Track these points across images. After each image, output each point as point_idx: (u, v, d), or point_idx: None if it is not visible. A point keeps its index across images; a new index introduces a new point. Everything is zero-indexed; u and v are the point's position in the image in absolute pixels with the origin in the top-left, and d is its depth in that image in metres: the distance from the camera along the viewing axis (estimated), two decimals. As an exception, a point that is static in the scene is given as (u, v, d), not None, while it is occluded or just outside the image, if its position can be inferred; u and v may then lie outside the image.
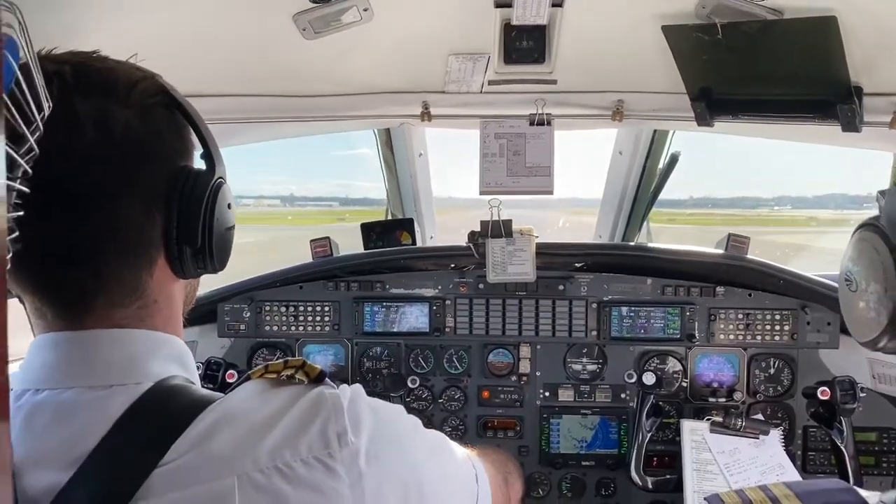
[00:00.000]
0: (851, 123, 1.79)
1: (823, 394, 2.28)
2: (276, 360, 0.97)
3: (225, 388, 1.22)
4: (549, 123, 2.27)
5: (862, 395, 2.28)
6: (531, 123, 2.27)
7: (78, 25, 1.40)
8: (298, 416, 0.86)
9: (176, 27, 1.62)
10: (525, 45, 1.97)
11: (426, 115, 2.22)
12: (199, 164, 1.00)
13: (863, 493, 0.85)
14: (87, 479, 0.79)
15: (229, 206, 1.01)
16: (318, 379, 0.93)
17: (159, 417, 0.84)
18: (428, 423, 2.61)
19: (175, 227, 0.92)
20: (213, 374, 2.37)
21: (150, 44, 1.37)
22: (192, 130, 0.98)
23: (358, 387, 0.96)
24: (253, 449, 0.82)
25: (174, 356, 0.95)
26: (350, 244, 2.84)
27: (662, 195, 3.19)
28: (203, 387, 0.95)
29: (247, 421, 0.85)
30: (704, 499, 0.91)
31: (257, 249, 6.68)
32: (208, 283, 2.61)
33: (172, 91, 0.96)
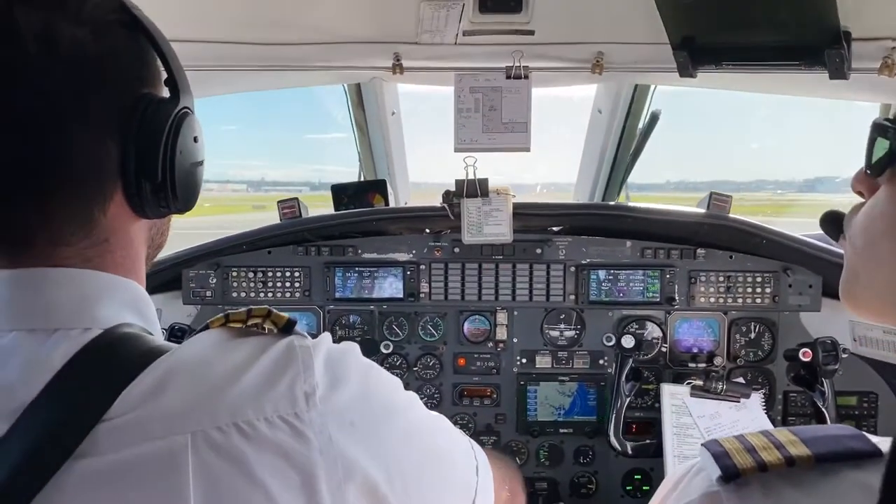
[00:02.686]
0: (839, 70, 1.73)
1: (805, 355, 2.24)
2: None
3: None
4: (526, 77, 2.19)
5: (844, 355, 2.25)
6: (508, 77, 2.19)
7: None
8: (264, 369, 0.77)
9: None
10: (502, -8, 1.88)
11: (398, 68, 2.13)
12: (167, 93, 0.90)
13: (873, 438, 0.78)
14: (23, 433, 0.71)
15: (196, 139, 0.91)
16: (286, 328, 0.83)
17: (106, 367, 0.75)
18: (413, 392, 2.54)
19: (132, 159, 0.82)
20: (177, 340, 2.27)
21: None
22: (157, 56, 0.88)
23: (352, 344, 0.88)
24: (210, 404, 0.74)
25: (128, 302, 0.85)
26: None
27: (641, 179, 3.14)
28: None
29: (204, 373, 0.76)
30: (702, 444, 0.84)
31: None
32: (169, 246, 2.50)
33: (134, 9, 0.85)
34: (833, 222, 0.95)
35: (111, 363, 0.76)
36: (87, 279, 0.82)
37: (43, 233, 0.80)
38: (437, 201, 2.49)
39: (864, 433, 0.80)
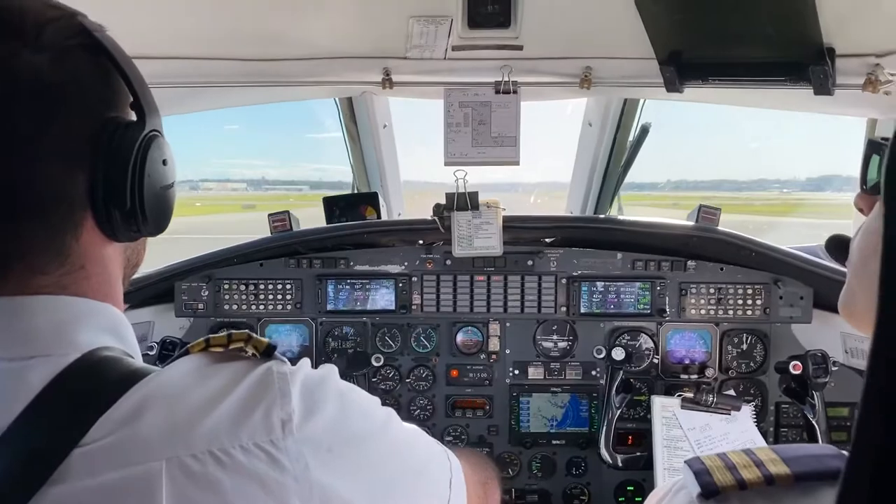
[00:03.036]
0: (824, 86, 1.74)
1: (795, 368, 2.24)
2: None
3: None
4: (515, 92, 2.19)
5: (834, 368, 2.25)
6: (497, 91, 2.19)
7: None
8: (240, 397, 0.77)
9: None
10: (490, 8, 1.89)
11: (387, 83, 2.14)
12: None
13: None
14: None
15: (165, 161, 0.90)
16: (266, 353, 0.83)
17: (83, 392, 0.75)
18: (395, 404, 2.57)
19: (100, 186, 0.82)
20: (168, 354, 2.28)
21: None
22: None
23: (330, 368, 0.88)
24: (186, 432, 0.74)
25: (107, 326, 0.85)
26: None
27: (639, 178, 3.14)
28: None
29: (181, 400, 0.76)
30: (685, 461, 0.85)
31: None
32: (163, 259, 2.51)
33: (96, 32, 0.84)
34: (838, 247, 0.95)
35: (90, 387, 0.76)
36: (63, 305, 0.82)
37: (19, 262, 0.80)
38: (431, 202, 2.49)
39: (845, 452, 0.81)
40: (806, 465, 0.79)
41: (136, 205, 0.85)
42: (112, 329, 0.86)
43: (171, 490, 0.71)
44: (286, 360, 0.84)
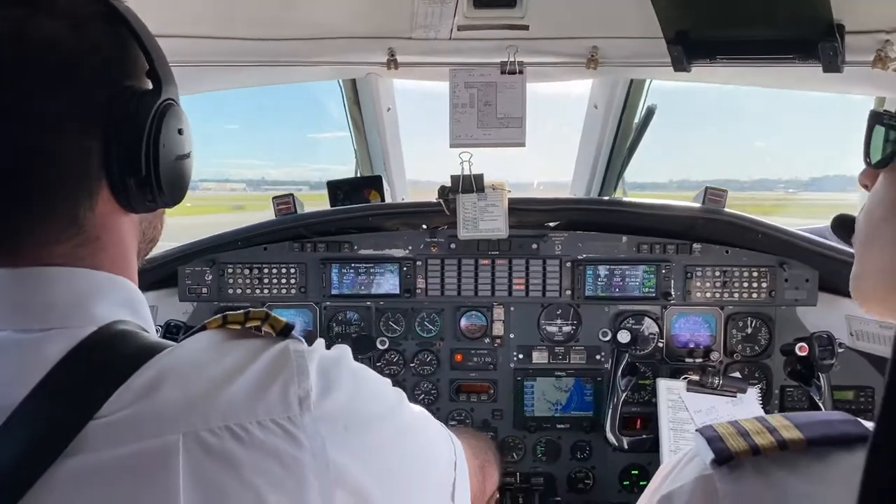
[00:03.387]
0: (833, 63, 1.73)
1: (802, 349, 2.24)
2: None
3: None
4: (521, 72, 2.19)
5: (840, 350, 2.24)
6: (502, 72, 2.18)
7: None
8: (258, 373, 0.77)
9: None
10: (495, -13, 1.88)
11: (392, 63, 2.13)
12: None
13: (867, 423, 0.79)
14: (15, 430, 0.70)
15: (180, 131, 0.90)
16: (283, 332, 0.83)
17: (100, 364, 0.75)
18: (400, 389, 2.54)
19: (114, 154, 0.81)
20: (172, 337, 2.27)
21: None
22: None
23: (344, 348, 0.88)
24: (203, 406, 0.73)
25: (123, 300, 0.85)
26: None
27: (641, 178, 3.14)
28: None
29: (198, 375, 0.76)
30: (696, 430, 0.84)
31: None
32: (164, 243, 2.50)
33: (114, 0, 0.84)
34: (843, 225, 0.95)
35: (107, 360, 0.75)
36: (81, 278, 0.81)
37: (31, 232, 0.79)
38: (433, 198, 2.49)
39: (858, 419, 0.81)
40: (819, 431, 0.79)
41: (152, 173, 0.84)
42: (128, 303, 0.86)
43: (188, 463, 0.71)
44: (302, 339, 0.84)
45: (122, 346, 0.77)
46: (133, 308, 0.86)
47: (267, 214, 2.64)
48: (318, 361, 0.81)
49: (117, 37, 0.84)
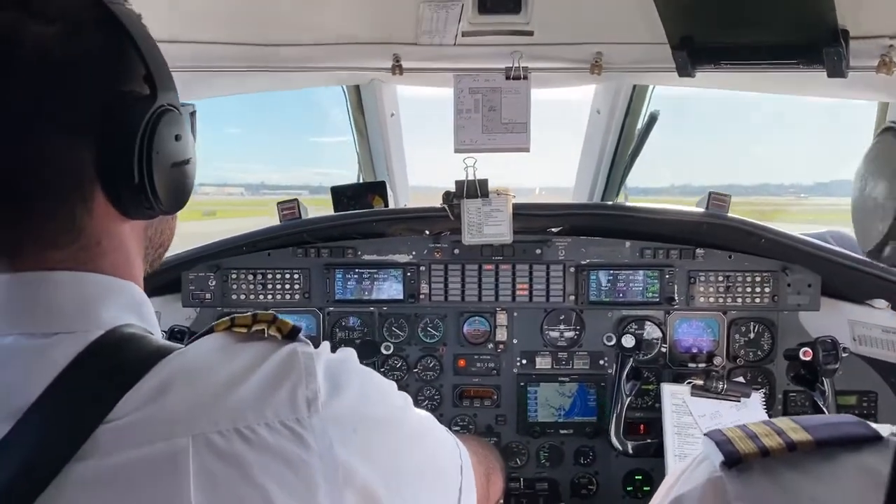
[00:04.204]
0: (837, 68, 1.74)
1: (806, 354, 2.24)
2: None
3: None
4: (525, 77, 2.19)
5: (843, 354, 2.25)
6: (507, 77, 2.19)
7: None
8: (266, 376, 0.77)
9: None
10: (500, -7, 1.89)
11: (397, 69, 2.14)
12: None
13: (875, 425, 0.79)
14: (25, 434, 0.70)
15: (178, 137, 0.88)
16: (290, 335, 0.83)
17: (109, 368, 0.75)
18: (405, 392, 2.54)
19: (106, 160, 0.80)
20: (176, 342, 2.26)
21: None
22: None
23: (349, 351, 0.88)
24: (212, 408, 0.73)
25: (129, 304, 0.84)
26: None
27: (644, 183, 3.15)
28: None
29: (207, 377, 0.76)
30: (705, 434, 0.85)
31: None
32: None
33: (111, 3, 0.82)
34: None
35: (115, 364, 0.75)
36: (87, 281, 0.81)
37: (29, 237, 0.79)
38: (437, 204, 2.49)
39: (866, 421, 0.81)
40: (826, 432, 0.79)
41: (146, 180, 0.83)
42: (134, 306, 0.85)
43: (198, 466, 0.71)
44: (309, 342, 0.84)
45: (130, 349, 0.77)
46: (139, 312, 0.86)
47: (241, 221, 2.63)
48: (325, 363, 0.81)
49: (114, 42, 0.82)
